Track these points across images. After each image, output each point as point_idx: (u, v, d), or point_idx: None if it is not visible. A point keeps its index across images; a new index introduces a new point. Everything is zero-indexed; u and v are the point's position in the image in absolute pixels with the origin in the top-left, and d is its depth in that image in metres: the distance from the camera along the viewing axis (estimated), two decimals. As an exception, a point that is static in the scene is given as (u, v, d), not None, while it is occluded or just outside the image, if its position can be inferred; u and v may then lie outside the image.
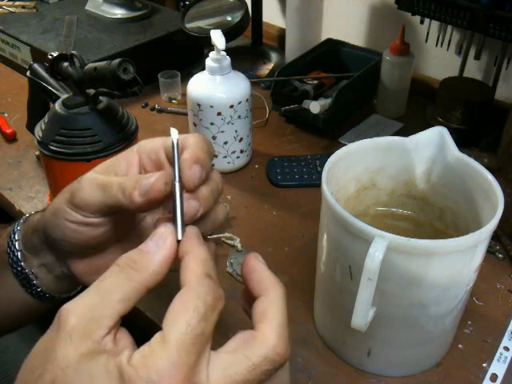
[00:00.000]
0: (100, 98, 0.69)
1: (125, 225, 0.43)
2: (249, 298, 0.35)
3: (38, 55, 1.03)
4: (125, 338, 0.31)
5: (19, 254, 0.45)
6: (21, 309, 0.47)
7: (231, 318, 0.61)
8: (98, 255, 0.43)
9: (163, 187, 0.35)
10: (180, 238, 0.34)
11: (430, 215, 0.61)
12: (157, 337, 0.29)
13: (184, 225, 0.34)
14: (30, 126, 0.86)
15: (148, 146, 0.41)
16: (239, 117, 0.80)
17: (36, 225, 0.44)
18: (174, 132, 0.37)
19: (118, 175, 0.39)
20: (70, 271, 0.44)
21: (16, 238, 0.45)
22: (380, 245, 0.44)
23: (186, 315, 0.29)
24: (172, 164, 0.35)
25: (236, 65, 0.81)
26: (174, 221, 0.34)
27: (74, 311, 0.30)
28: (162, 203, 0.37)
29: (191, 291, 0.31)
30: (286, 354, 0.31)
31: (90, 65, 0.65)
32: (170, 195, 0.35)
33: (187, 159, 0.36)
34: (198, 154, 0.37)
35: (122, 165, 0.40)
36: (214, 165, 0.36)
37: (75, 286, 0.48)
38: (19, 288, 0.46)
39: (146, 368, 0.28)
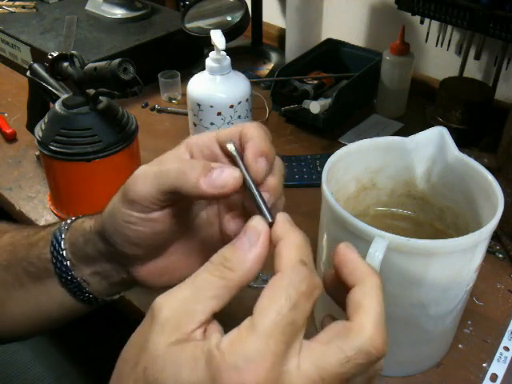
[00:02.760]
0: (100, 98, 0.69)
1: (181, 221, 0.41)
2: (340, 287, 0.33)
3: (38, 55, 1.03)
4: (216, 331, 0.31)
5: (68, 263, 0.44)
6: (63, 312, 0.47)
7: (231, 318, 0.60)
8: (159, 257, 0.42)
9: (238, 182, 0.34)
10: (270, 220, 0.33)
11: (430, 215, 0.61)
12: (246, 322, 0.29)
13: (270, 211, 0.34)
14: (30, 126, 0.86)
15: (199, 141, 0.39)
16: (239, 117, 0.80)
17: (89, 234, 0.43)
18: (231, 145, 0.37)
19: None
20: (132, 277, 0.43)
21: (62, 247, 0.44)
22: (380, 245, 0.44)
23: (277, 303, 0.29)
24: (238, 165, 0.35)
25: (236, 65, 0.81)
26: (259, 211, 0.34)
27: (167, 304, 0.30)
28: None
29: (284, 279, 0.30)
30: (382, 347, 0.30)
31: (90, 65, 0.65)
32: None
33: (252, 153, 0.35)
34: (262, 147, 0.36)
35: (171, 161, 0.38)
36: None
37: (127, 289, 0.47)
38: (65, 295, 0.45)
39: (233, 354, 0.28)
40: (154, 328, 0.30)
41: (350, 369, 0.29)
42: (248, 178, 0.35)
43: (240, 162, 0.35)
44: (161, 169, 0.36)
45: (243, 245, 0.31)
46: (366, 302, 0.31)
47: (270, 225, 0.33)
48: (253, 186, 0.35)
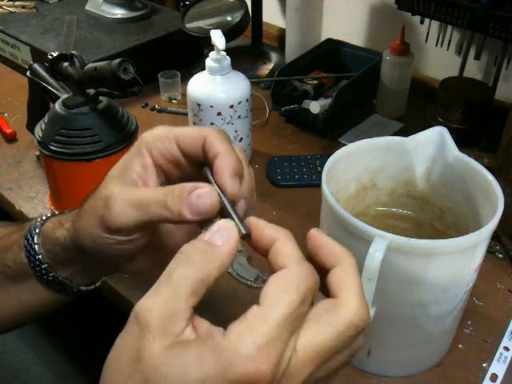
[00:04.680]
0: (100, 97, 0.69)
1: (153, 233, 0.43)
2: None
3: (38, 55, 1.03)
4: (201, 322, 0.32)
5: (46, 265, 0.45)
6: (49, 305, 0.48)
7: (233, 319, 0.61)
8: (146, 252, 0.43)
9: (217, 206, 0.36)
10: (244, 232, 0.34)
11: (430, 215, 0.61)
12: (254, 312, 0.30)
13: (242, 220, 0.35)
14: (30, 126, 0.86)
15: (159, 145, 0.40)
16: (239, 117, 0.80)
17: (66, 244, 0.43)
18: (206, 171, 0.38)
19: (136, 181, 0.39)
20: (119, 271, 0.46)
21: (37, 251, 0.44)
22: (380, 245, 0.44)
23: (289, 296, 0.30)
24: (214, 182, 0.37)
25: (236, 65, 0.81)
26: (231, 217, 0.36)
27: (149, 310, 0.30)
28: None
29: (294, 273, 0.32)
30: (367, 318, 0.32)
31: (90, 65, 0.65)
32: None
33: (224, 174, 0.36)
34: (232, 164, 0.37)
35: (136, 169, 0.40)
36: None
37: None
38: (48, 292, 0.46)
39: (244, 343, 0.28)
40: (144, 336, 0.29)
41: (341, 341, 0.31)
42: (222, 195, 0.36)
43: (215, 185, 0.37)
44: (140, 199, 0.37)
45: (217, 240, 0.33)
46: (348, 280, 0.33)
47: (245, 236, 0.34)
48: (227, 203, 0.36)
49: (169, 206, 0.36)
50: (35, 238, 0.44)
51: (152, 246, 0.42)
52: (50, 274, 0.45)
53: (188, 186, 0.36)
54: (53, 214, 0.47)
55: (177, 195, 0.36)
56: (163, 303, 0.30)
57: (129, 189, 0.38)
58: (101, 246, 0.40)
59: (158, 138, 0.40)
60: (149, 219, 0.37)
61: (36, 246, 0.44)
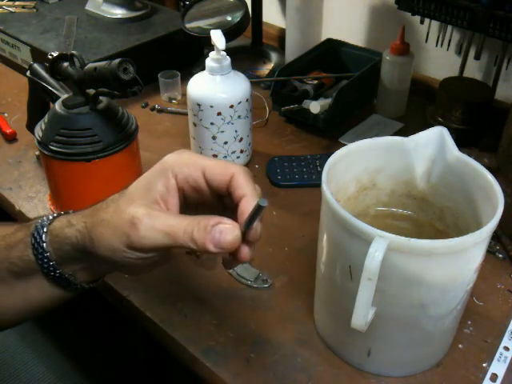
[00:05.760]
0: (100, 97, 0.69)
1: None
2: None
3: (38, 55, 1.03)
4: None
5: (54, 263, 0.45)
6: (53, 301, 0.49)
7: (231, 318, 0.61)
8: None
9: (238, 242, 0.40)
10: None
11: (430, 215, 0.61)
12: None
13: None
14: (30, 126, 0.86)
15: (185, 171, 0.43)
16: (239, 117, 0.80)
17: (78, 245, 0.44)
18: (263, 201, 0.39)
19: (159, 202, 0.42)
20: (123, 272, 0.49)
21: (45, 249, 0.45)
22: (380, 245, 0.44)
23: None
24: (249, 221, 0.40)
25: (236, 65, 0.81)
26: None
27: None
28: None
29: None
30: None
31: (90, 65, 0.65)
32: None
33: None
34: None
35: (160, 190, 0.43)
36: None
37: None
38: (54, 288, 0.47)
39: None
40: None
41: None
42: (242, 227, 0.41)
43: (257, 218, 0.40)
44: (168, 230, 0.40)
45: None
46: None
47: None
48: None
49: (195, 238, 0.39)
50: (43, 236, 0.45)
51: (162, 256, 0.45)
52: (57, 271, 0.46)
53: (212, 220, 0.40)
54: (59, 214, 0.48)
55: (202, 229, 0.39)
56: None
57: (155, 213, 0.41)
58: (117, 257, 0.42)
59: (185, 165, 0.43)
60: (174, 246, 0.40)
61: (44, 244, 0.45)
